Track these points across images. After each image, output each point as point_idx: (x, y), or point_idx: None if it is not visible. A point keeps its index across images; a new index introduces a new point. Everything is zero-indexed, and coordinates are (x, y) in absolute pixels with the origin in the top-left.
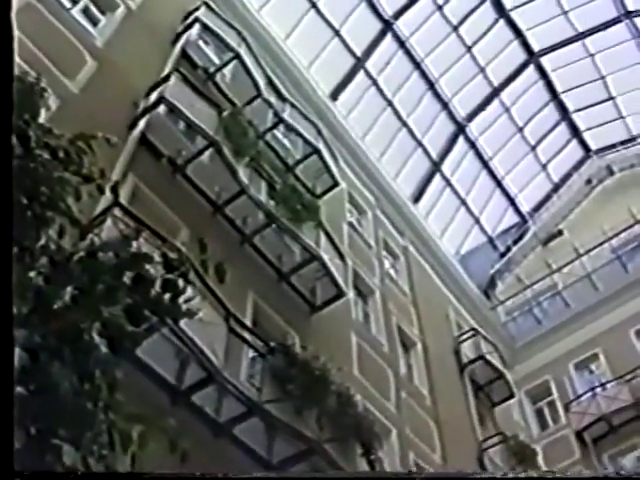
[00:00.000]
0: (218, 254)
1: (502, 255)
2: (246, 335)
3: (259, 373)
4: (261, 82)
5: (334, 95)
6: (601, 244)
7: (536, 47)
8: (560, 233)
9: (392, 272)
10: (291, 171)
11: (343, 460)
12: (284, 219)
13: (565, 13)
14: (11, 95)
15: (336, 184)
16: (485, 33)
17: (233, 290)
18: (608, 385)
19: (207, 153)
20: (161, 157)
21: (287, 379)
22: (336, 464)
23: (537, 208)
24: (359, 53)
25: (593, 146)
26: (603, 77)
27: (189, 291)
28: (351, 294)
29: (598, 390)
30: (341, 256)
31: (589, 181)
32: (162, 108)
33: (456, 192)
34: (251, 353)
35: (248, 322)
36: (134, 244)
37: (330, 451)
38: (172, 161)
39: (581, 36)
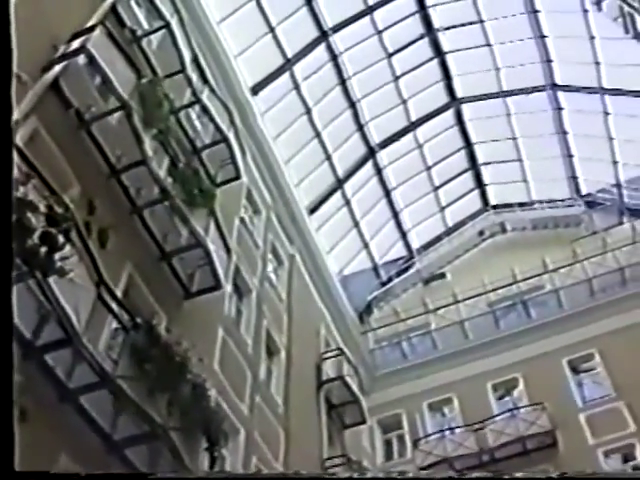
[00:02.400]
0: (105, 219)
1: (383, 284)
2: (114, 306)
3: (119, 346)
4: (187, 58)
5: (255, 89)
6: (479, 295)
7: (460, 93)
8: (443, 276)
9: (273, 276)
10: (197, 154)
11: (186, 450)
12: (178, 199)
13: (497, 70)
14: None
15: (238, 177)
16: (416, 68)
17: (112, 258)
18: (457, 430)
19: (116, 115)
20: (69, 107)
21: (146, 358)
22: (178, 453)
23: (426, 247)
24: (290, 55)
25: (492, 201)
26: (515, 138)
27: (67, 249)
28: (228, 288)
29: (447, 433)
30: (227, 249)
31: (481, 233)
32: (81, 58)
33: (352, 213)
34: (115, 325)
35: (119, 293)
36: (21, 188)
37: (174, 439)
38: (79, 114)
39: (504, 94)
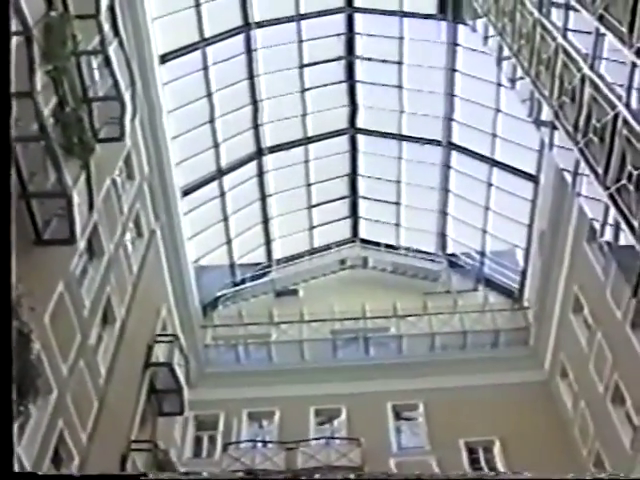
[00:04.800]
0: None
1: (235, 284)
2: None
3: None
4: (104, 4)
5: (164, 58)
6: (324, 320)
7: (360, 123)
8: (295, 292)
9: (130, 246)
10: (87, 103)
11: None
12: (56, 143)
13: (401, 112)
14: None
15: (121, 139)
16: (325, 85)
17: None
18: (270, 445)
19: (16, 39)
20: None
21: None
22: None
23: (286, 260)
24: (207, 34)
25: (362, 234)
26: (400, 182)
27: None
28: (81, 245)
29: (259, 445)
30: (90, 206)
31: (343, 262)
32: None
33: (224, 207)
34: None
35: None
36: None
37: None
38: None
39: (401, 137)
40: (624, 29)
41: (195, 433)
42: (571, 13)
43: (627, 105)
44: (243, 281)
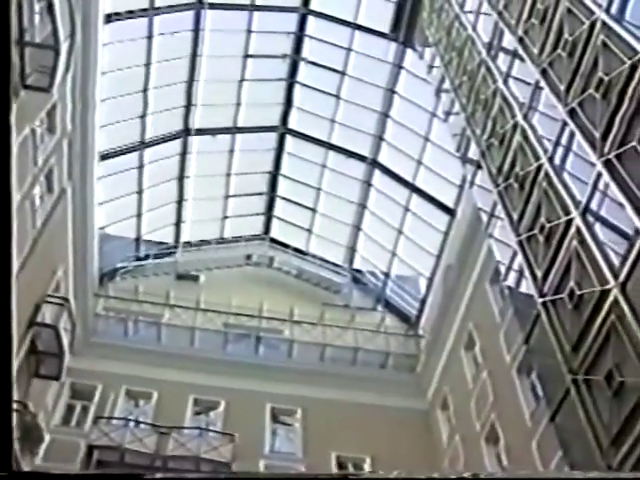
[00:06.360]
0: None
1: (138, 259)
2: None
3: None
4: None
5: (109, 18)
6: (220, 312)
7: (292, 123)
8: (196, 278)
9: (37, 200)
10: (21, 46)
11: None
12: None
13: (333, 122)
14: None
15: (49, 89)
16: (264, 80)
17: None
18: (142, 426)
19: None
20: None
21: None
22: None
23: (193, 244)
24: (157, 4)
25: (274, 234)
26: (320, 189)
27: None
28: None
29: (132, 424)
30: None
31: (249, 257)
32: None
33: (141, 179)
34: None
35: None
36: None
37: None
38: None
39: (330, 147)
40: (562, 87)
41: (68, 401)
42: (516, 61)
43: (551, 159)
44: (146, 257)
